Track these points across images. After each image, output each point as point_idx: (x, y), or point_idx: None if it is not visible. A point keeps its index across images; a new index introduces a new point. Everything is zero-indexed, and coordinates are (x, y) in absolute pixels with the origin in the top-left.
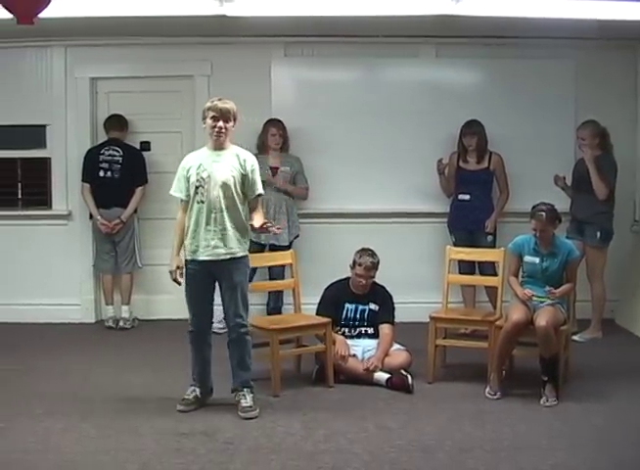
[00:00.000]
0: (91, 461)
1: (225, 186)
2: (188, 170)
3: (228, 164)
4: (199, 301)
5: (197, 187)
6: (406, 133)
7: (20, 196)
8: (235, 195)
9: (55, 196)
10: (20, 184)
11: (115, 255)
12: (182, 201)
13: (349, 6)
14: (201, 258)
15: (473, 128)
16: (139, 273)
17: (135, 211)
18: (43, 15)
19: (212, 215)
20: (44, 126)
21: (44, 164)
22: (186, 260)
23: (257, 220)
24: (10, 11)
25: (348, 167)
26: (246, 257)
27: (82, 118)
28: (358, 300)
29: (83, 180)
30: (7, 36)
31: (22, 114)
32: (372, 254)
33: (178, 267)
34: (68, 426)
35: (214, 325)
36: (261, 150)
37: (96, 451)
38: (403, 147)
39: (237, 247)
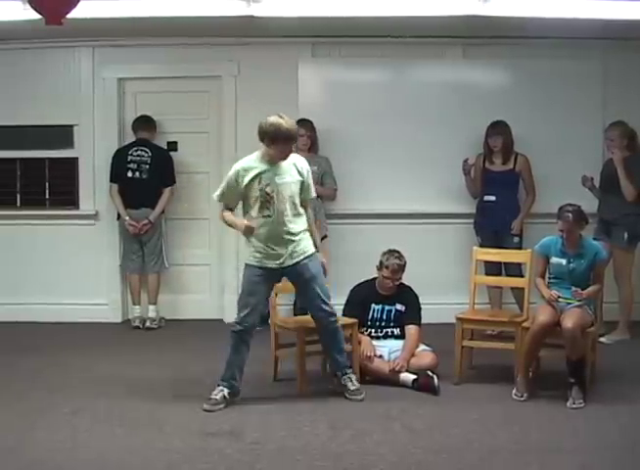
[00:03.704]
0: (119, 460)
1: (292, 199)
2: (246, 185)
3: (291, 177)
4: (259, 299)
5: (262, 202)
6: (433, 134)
7: (47, 196)
8: (299, 203)
9: (82, 196)
10: (47, 184)
11: (143, 255)
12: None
13: (377, 6)
14: (270, 265)
15: (498, 129)
16: (166, 273)
17: (163, 211)
18: (71, 15)
19: (282, 228)
20: (72, 127)
21: (72, 165)
22: (250, 265)
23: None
24: (38, 11)
25: (375, 168)
26: (316, 251)
27: (110, 119)
28: (384, 300)
29: (111, 180)
30: (35, 37)
31: (49, 114)
32: (399, 256)
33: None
34: (96, 425)
35: None
36: None
37: (123, 450)
38: (430, 148)
39: (307, 246)
